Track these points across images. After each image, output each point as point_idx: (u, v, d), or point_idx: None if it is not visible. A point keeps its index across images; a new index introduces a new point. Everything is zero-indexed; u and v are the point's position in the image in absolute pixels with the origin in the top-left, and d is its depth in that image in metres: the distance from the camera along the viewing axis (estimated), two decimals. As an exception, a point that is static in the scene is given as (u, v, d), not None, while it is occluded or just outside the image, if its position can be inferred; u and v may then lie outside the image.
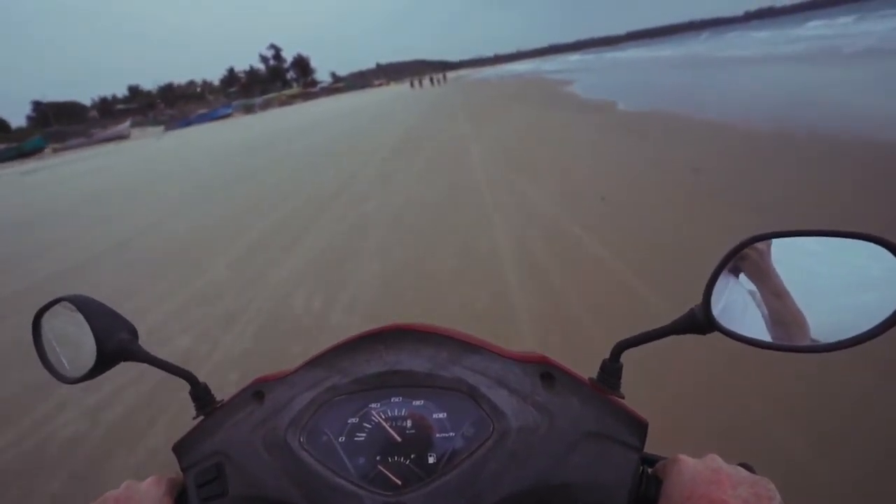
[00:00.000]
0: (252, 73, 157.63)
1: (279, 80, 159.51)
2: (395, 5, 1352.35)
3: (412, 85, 60.96)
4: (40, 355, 0.54)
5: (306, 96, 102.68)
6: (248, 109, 79.25)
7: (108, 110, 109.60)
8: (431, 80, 60.78)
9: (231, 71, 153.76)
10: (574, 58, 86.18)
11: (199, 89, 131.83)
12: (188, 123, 62.39)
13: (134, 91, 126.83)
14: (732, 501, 0.36)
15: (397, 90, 60.67)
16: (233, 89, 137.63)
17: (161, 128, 64.34)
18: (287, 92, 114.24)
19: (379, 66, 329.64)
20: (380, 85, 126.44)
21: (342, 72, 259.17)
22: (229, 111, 68.46)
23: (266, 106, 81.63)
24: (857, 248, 0.40)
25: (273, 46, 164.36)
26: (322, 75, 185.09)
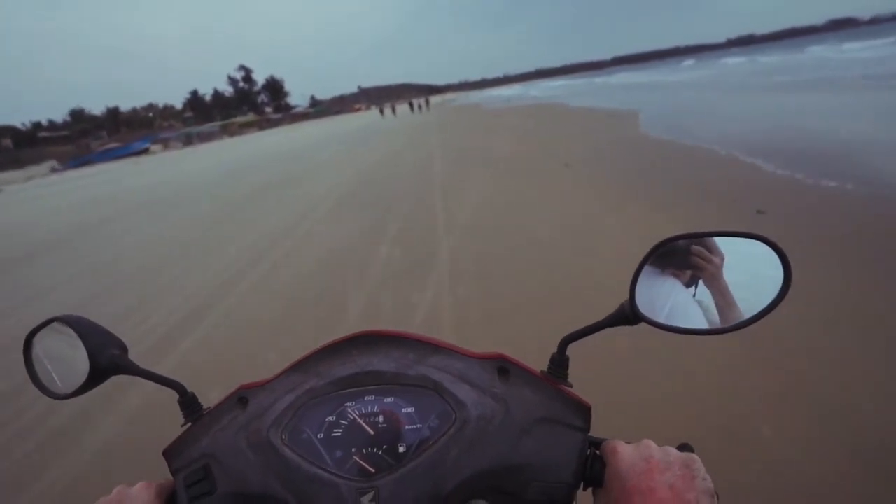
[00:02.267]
0: (217, 96, 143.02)
1: (248, 103, 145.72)
2: (382, 30, 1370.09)
3: (382, 112, 47.24)
4: (31, 375, 0.56)
5: (263, 124, 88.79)
6: (188, 141, 64.82)
7: (31, 138, 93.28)
8: (411, 105, 47.04)
9: (194, 94, 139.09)
10: (558, 83, 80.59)
11: (150, 114, 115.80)
12: (84, 162, 48.20)
13: (77, 115, 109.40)
14: (658, 487, 0.41)
15: (369, 117, 46.94)
16: (189, 114, 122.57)
17: (50, 165, 49.09)
18: (238, 120, 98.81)
19: (362, 90, 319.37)
20: (357, 110, 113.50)
21: (325, 95, 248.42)
22: (146, 145, 54.22)
23: (209, 137, 67.12)
24: (751, 245, 0.47)
25: (243, 68, 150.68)
26: (300, 99, 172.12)
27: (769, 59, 41.26)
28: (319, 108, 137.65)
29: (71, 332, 0.54)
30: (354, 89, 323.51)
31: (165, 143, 63.31)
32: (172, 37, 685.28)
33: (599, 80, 59.96)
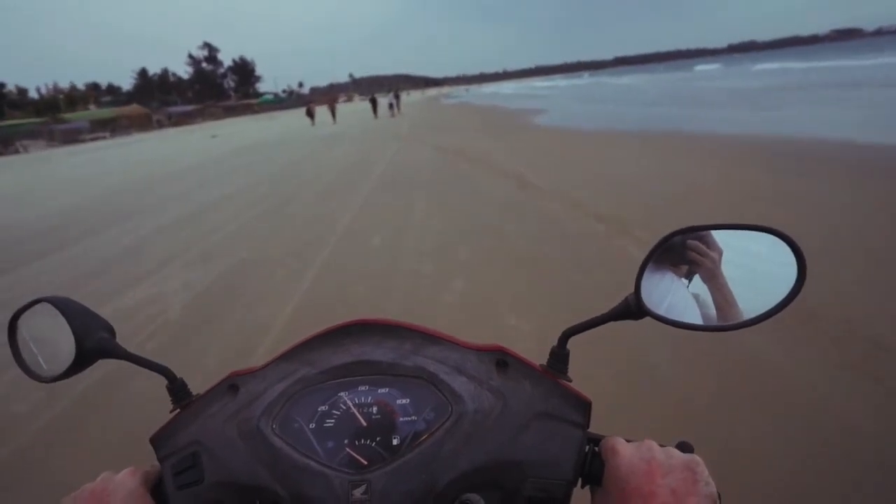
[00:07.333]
0: (165, 77, 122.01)
1: (212, 87, 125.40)
2: (380, 20, 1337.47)
3: (310, 116, 29.17)
4: (15, 356, 0.54)
5: (164, 121, 60.31)
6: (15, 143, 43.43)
7: None
8: (374, 103, 28.81)
9: (142, 73, 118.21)
10: (543, 84, 63.53)
11: (60, 96, 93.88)
12: None
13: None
14: (660, 491, 0.39)
15: (310, 121, 28.75)
16: (107, 98, 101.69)
17: None
18: (74, 116, 62.71)
19: (353, 79, 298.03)
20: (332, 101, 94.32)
21: (320, 83, 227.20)
22: None
23: (73, 136, 45.80)
24: (762, 239, 0.45)
25: (207, 45, 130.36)
26: (272, 85, 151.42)
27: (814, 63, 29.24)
28: (270, 99, 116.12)
29: (58, 314, 0.51)
30: (345, 78, 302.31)
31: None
32: (171, 14, 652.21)
33: (624, 80, 43.53)
